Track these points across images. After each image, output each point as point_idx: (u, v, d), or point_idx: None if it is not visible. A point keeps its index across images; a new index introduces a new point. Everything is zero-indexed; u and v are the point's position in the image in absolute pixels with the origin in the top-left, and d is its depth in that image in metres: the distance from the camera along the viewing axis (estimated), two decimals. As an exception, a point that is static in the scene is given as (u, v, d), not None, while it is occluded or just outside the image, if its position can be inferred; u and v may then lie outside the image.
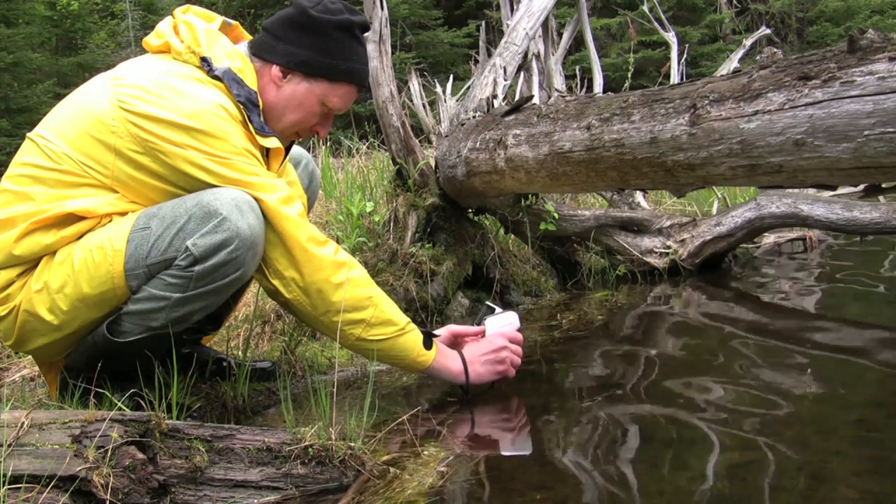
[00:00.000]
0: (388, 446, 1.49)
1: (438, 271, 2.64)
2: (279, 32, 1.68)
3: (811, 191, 3.28)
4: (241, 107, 1.57)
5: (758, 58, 1.63)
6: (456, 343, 1.86)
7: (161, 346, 1.55)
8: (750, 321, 2.52)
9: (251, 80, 1.63)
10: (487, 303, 2.00)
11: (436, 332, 1.84)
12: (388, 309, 1.68)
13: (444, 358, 1.76)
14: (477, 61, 4.35)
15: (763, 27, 5.83)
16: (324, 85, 1.69)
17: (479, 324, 1.91)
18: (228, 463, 1.32)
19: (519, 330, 1.88)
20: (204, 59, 1.58)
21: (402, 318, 1.70)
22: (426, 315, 2.55)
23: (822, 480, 1.30)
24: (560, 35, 4.21)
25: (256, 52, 1.70)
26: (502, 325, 1.88)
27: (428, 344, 1.73)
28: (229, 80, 1.57)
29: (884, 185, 1.54)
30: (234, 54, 1.63)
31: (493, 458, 1.51)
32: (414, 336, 1.71)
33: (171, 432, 1.30)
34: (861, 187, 1.70)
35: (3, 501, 1.11)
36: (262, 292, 2.16)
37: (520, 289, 2.96)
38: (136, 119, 1.49)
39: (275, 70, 1.67)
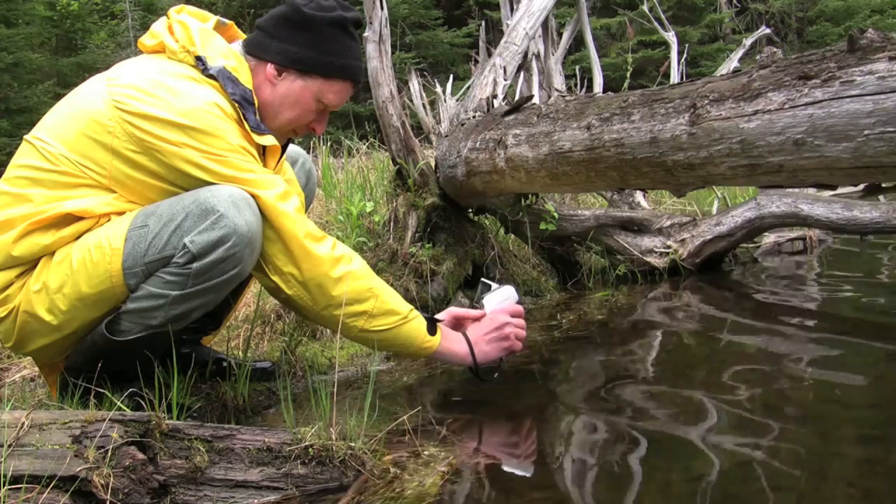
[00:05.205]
0: (389, 446, 1.49)
1: (438, 271, 2.64)
2: (273, 30, 1.68)
3: (811, 190, 3.28)
4: (237, 105, 1.57)
5: (758, 57, 1.63)
6: (458, 325, 1.86)
7: (160, 345, 1.55)
8: (750, 321, 2.52)
9: (246, 79, 1.63)
10: (483, 280, 2.00)
11: (437, 316, 1.84)
12: (389, 299, 1.68)
13: (448, 342, 1.77)
14: (477, 61, 4.35)
15: (763, 27, 5.83)
16: (319, 82, 1.69)
17: (477, 301, 1.91)
18: (229, 463, 1.32)
19: (519, 302, 1.89)
20: (198, 58, 1.58)
21: (405, 307, 1.71)
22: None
23: (822, 480, 1.30)
24: (560, 35, 4.20)
25: (251, 50, 1.70)
26: (501, 300, 1.88)
27: (432, 329, 1.74)
28: (224, 79, 1.58)
29: (884, 185, 1.54)
30: (229, 53, 1.64)
31: (493, 458, 1.51)
32: (417, 323, 1.71)
33: (171, 432, 1.30)
34: (861, 186, 1.70)
35: (4, 502, 1.11)
36: (262, 292, 2.17)
37: (520, 289, 2.96)
38: (132, 118, 1.49)
39: (269, 68, 1.67)
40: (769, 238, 3.74)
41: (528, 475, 1.43)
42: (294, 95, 1.69)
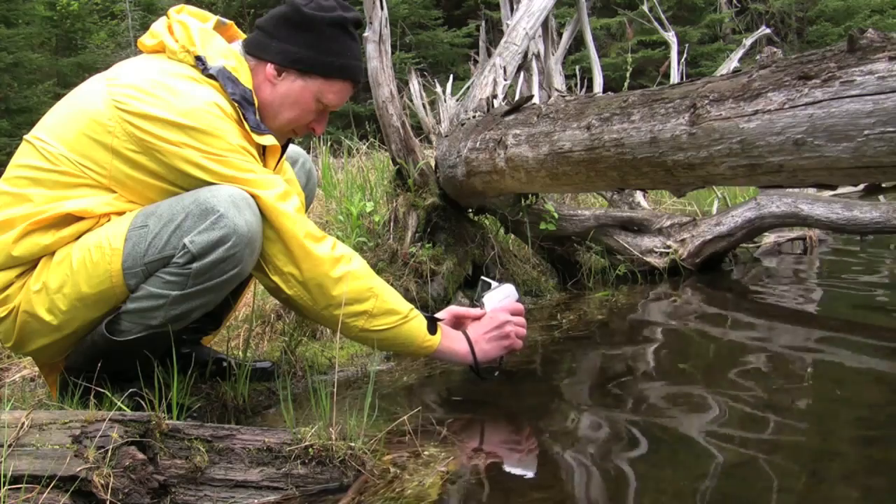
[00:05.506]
0: (389, 446, 1.49)
1: (438, 271, 2.64)
2: (273, 30, 1.68)
3: (811, 190, 3.28)
4: (236, 105, 1.57)
5: (758, 57, 1.63)
6: (459, 324, 1.86)
7: (160, 345, 1.55)
8: (750, 321, 2.52)
9: (246, 79, 1.63)
10: (483, 278, 2.00)
11: (437, 314, 1.84)
12: (389, 298, 1.69)
13: (449, 341, 1.77)
14: (477, 61, 4.34)
15: (763, 27, 5.83)
16: (318, 82, 1.69)
17: (477, 300, 1.91)
18: (229, 463, 1.32)
19: (518, 301, 1.89)
20: (198, 58, 1.58)
21: (405, 306, 1.71)
22: (426, 315, 2.55)
23: (822, 480, 1.30)
24: (560, 35, 4.20)
25: (251, 50, 1.70)
26: (501, 298, 1.88)
27: (432, 329, 1.74)
28: (224, 79, 1.58)
29: (884, 185, 1.54)
30: (229, 53, 1.64)
31: (493, 458, 1.51)
32: (418, 322, 1.71)
33: (171, 432, 1.30)
34: (861, 187, 1.70)
35: (4, 502, 1.11)
36: (261, 292, 2.16)
37: (520, 289, 2.96)
38: (132, 118, 1.49)
39: (269, 68, 1.67)
40: (769, 238, 3.74)
41: (528, 475, 1.43)
42: (294, 95, 1.69)
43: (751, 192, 4.03)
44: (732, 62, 4.54)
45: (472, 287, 2.86)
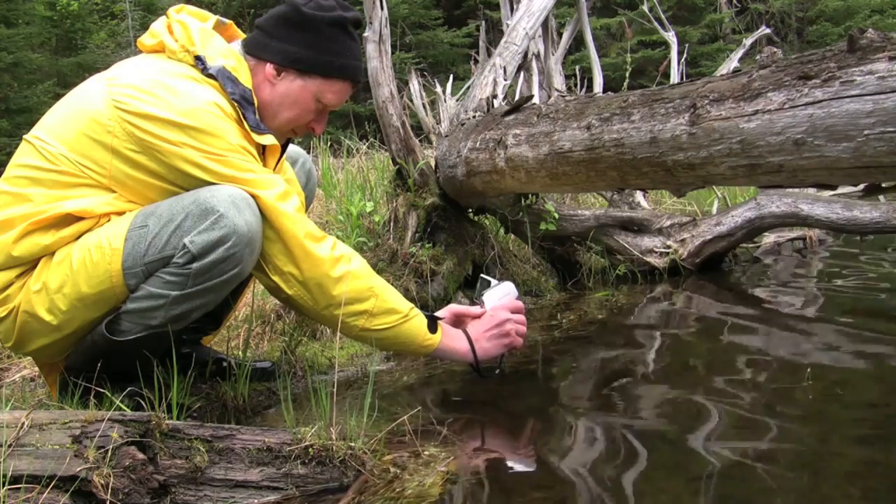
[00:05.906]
0: (389, 446, 1.49)
1: (438, 271, 2.64)
2: (272, 30, 1.68)
3: (811, 190, 3.28)
4: (236, 104, 1.57)
5: (758, 57, 1.63)
6: (459, 323, 1.86)
7: (160, 345, 1.55)
8: (749, 321, 2.52)
9: (245, 79, 1.63)
10: (482, 276, 2.00)
11: (437, 313, 1.85)
12: (389, 297, 1.69)
13: (449, 340, 1.77)
14: (477, 61, 4.35)
15: (763, 27, 5.83)
16: (318, 81, 1.69)
17: (477, 298, 1.91)
18: (229, 463, 1.32)
19: (518, 298, 1.89)
20: (198, 58, 1.59)
21: (405, 305, 1.71)
22: (426, 315, 2.55)
23: (822, 480, 1.30)
24: (560, 35, 4.20)
25: (250, 50, 1.70)
26: (501, 296, 1.89)
27: (433, 328, 1.74)
28: (223, 79, 1.58)
29: (884, 185, 1.54)
30: (229, 53, 1.64)
31: (493, 458, 1.51)
32: (418, 321, 1.71)
33: (171, 432, 1.30)
34: (861, 186, 1.70)
35: (4, 502, 1.11)
36: (261, 292, 2.16)
37: (520, 289, 2.96)
38: (132, 118, 1.49)
39: (269, 68, 1.67)
40: (769, 238, 3.74)
41: (528, 475, 1.43)
42: (293, 95, 1.69)
43: (751, 192, 4.02)
44: (732, 62, 4.54)
45: (472, 287, 2.86)
